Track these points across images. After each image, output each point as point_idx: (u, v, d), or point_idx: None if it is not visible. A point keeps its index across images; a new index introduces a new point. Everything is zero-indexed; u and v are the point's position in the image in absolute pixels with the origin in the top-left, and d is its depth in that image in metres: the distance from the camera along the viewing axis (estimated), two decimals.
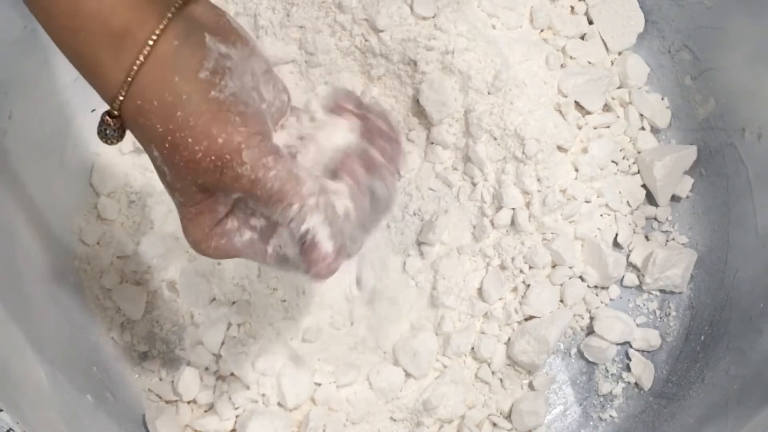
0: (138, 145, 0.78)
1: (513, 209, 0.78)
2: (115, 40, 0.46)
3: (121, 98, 0.47)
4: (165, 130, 0.47)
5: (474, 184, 0.80)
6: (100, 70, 0.47)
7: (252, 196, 0.49)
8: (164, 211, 0.79)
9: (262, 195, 0.49)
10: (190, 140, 0.47)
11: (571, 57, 0.83)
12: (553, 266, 0.79)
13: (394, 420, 0.76)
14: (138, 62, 0.46)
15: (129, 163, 0.81)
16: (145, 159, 0.80)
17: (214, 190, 0.49)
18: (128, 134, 0.51)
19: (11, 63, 0.69)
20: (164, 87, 0.47)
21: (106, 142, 0.50)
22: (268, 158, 0.48)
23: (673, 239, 0.82)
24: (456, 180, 0.80)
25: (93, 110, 0.80)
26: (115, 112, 0.48)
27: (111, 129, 0.49)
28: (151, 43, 0.46)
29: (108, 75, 0.47)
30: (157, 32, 0.46)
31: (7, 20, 0.68)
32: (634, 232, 0.82)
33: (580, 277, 0.79)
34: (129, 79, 0.46)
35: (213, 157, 0.47)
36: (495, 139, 0.78)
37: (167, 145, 0.47)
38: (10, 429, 0.54)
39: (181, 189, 0.49)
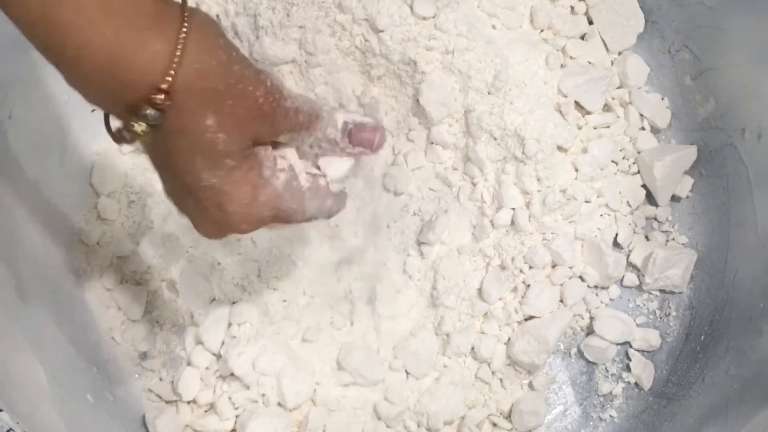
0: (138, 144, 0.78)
1: (513, 209, 0.78)
2: (153, 17, 0.48)
3: (173, 69, 0.48)
4: (227, 86, 0.50)
5: (474, 184, 0.80)
6: (145, 48, 0.47)
7: (297, 125, 0.56)
8: (164, 211, 0.79)
9: (304, 120, 0.56)
10: (250, 88, 0.51)
11: (571, 57, 0.83)
12: (553, 266, 0.79)
13: (394, 420, 0.75)
14: (183, 31, 0.48)
15: (129, 163, 0.81)
16: (144, 159, 0.80)
17: (265, 140, 0.55)
18: None
19: (11, 63, 0.69)
20: (216, 48, 0.50)
21: (134, 139, 0.50)
22: (292, 92, 0.56)
23: (673, 239, 0.82)
24: (456, 180, 0.80)
25: (93, 110, 0.80)
26: (165, 87, 0.48)
27: (156, 110, 0.48)
28: (187, 14, 0.49)
29: (155, 49, 0.48)
30: (186, 8, 0.49)
31: (7, 20, 0.68)
32: (634, 232, 0.82)
33: (580, 277, 0.79)
34: (179, 47, 0.48)
35: (270, 99, 0.53)
36: (495, 139, 0.78)
37: (231, 102, 0.51)
38: (10, 429, 0.54)
39: (236, 150, 0.53)
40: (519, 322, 0.78)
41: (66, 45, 0.46)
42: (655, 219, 0.83)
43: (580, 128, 0.82)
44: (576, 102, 0.82)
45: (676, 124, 0.85)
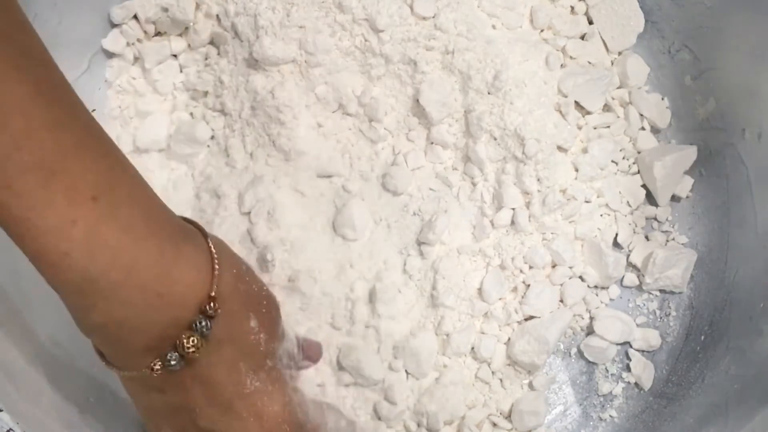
0: (138, 144, 0.78)
1: (513, 209, 0.78)
2: (185, 232, 0.49)
3: (216, 274, 0.48)
4: (258, 289, 0.53)
5: (474, 184, 0.80)
6: (189, 260, 0.48)
7: (281, 332, 0.58)
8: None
9: (279, 328, 0.58)
10: (267, 290, 0.55)
11: (571, 57, 0.83)
12: (553, 266, 0.79)
13: (394, 420, 0.75)
14: (210, 242, 0.50)
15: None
16: (143, 160, 0.80)
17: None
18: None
19: None
20: (235, 255, 0.52)
21: (187, 356, 0.49)
22: None
23: (673, 239, 0.82)
24: (456, 180, 0.80)
25: (93, 110, 0.80)
26: (213, 293, 0.48)
27: (207, 322, 0.48)
28: (201, 228, 0.52)
29: (197, 260, 0.48)
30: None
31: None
32: (634, 232, 0.82)
33: (580, 277, 0.79)
34: (215, 255, 0.49)
35: (277, 303, 0.57)
36: (495, 139, 0.78)
37: (265, 302, 0.53)
38: (10, 429, 0.54)
39: (275, 349, 0.55)
40: (519, 322, 0.78)
41: (113, 267, 0.44)
42: (655, 219, 0.83)
43: (580, 128, 0.82)
44: (576, 102, 0.82)
45: (676, 124, 0.85)
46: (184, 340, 0.48)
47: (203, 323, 0.47)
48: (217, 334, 0.49)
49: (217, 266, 0.48)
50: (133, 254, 0.45)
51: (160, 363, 0.48)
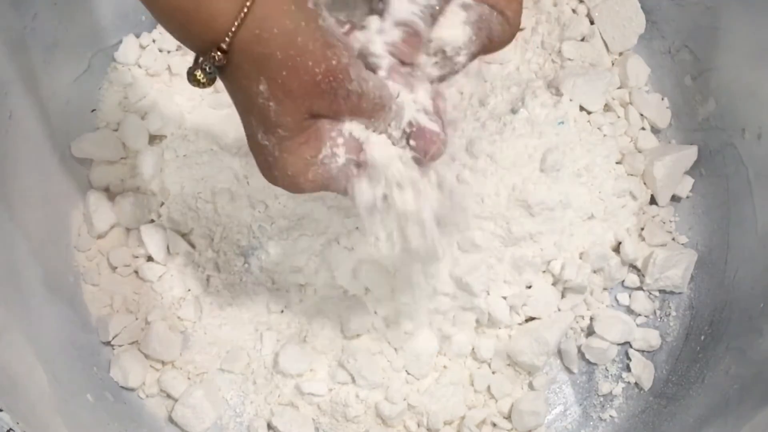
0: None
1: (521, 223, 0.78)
2: None
3: (233, 30, 0.48)
4: (285, 57, 0.50)
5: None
6: (210, 3, 0.48)
7: (359, 111, 0.53)
8: (165, 211, 0.79)
9: (367, 108, 0.53)
10: (310, 63, 0.50)
11: (569, 59, 0.83)
12: (554, 267, 0.79)
13: (394, 419, 0.75)
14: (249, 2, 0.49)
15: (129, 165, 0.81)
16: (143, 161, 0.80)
17: (324, 115, 0.53)
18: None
19: (11, 63, 0.69)
20: (283, 15, 0.49)
21: (199, 85, 0.51)
22: (364, 73, 0.52)
23: (673, 239, 0.82)
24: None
25: (93, 110, 0.80)
26: (224, 46, 0.49)
27: (212, 66, 0.50)
28: None
29: (219, 8, 0.48)
30: None
31: (7, 20, 0.68)
32: (636, 233, 0.81)
33: (582, 279, 0.79)
34: (245, 9, 0.48)
35: (331, 78, 0.51)
36: None
37: (285, 73, 0.50)
38: (10, 429, 0.54)
39: (290, 122, 0.52)
40: (520, 324, 0.77)
41: None
42: (656, 219, 0.83)
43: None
44: None
45: (676, 124, 0.85)
46: (194, 71, 0.51)
47: (206, 66, 0.50)
48: (225, 80, 0.51)
49: (239, 20, 0.49)
50: None
51: (203, 63, 0.51)
